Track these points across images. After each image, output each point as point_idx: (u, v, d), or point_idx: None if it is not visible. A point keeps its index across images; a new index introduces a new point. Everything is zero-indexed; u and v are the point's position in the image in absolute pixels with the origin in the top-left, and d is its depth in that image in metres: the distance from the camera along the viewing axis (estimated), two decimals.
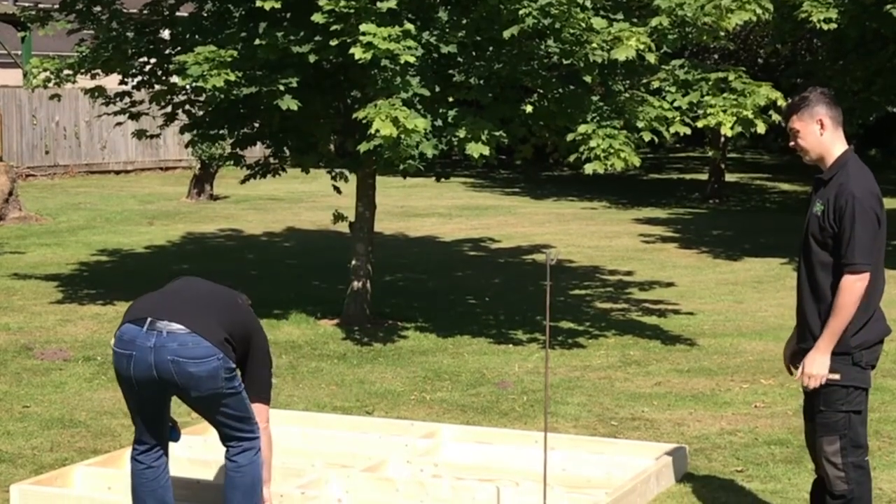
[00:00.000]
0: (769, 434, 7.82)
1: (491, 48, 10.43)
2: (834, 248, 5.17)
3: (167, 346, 5.14)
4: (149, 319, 5.22)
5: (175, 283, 5.63)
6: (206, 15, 11.14)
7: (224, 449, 5.51)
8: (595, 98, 10.53)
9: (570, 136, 10.16)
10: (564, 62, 10.35)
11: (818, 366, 5.18)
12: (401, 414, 8.29)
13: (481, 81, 10.40)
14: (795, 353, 5.45)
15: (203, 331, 5.19)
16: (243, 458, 5.42)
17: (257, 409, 5.49)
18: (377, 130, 9.24)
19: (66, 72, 11.43)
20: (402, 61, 9.35)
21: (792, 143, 5.36)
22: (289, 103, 10.12)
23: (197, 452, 7.02)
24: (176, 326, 5.18)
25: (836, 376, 5.17)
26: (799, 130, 5.28)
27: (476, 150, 9.86)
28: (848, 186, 5.14)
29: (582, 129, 10.05)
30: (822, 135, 5.25)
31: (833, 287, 5.16)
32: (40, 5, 15.95)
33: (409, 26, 9.43)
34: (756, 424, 8.08)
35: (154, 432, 5.42)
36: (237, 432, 5.39)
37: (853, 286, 5.10)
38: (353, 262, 11.47)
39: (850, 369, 5.19)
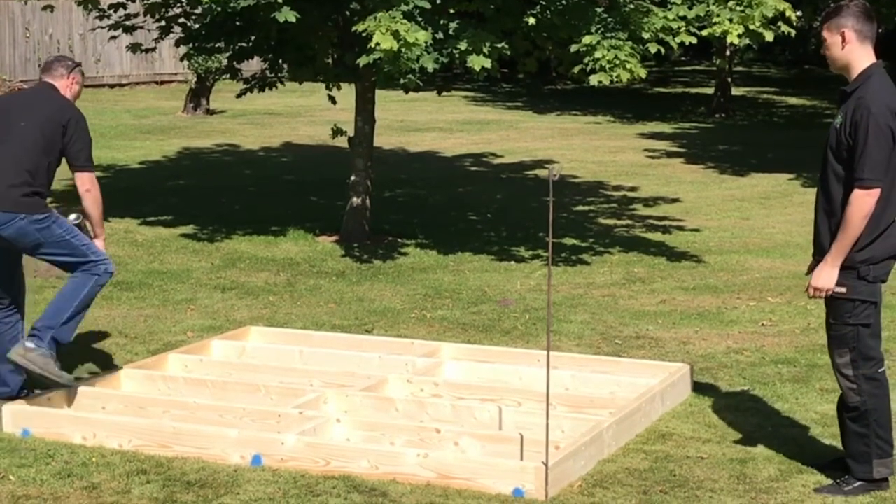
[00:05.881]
0: (776, 353, 7.69)
1: None
2: (848, 161, 5.19)
3: None
4: None
5: None
6: None
7: None
8: (599, 10, 10.30)
9: (574, 47, 9.98)
10: None
11: (824, 279, 5.23)
12: (400, 332, 8.16)
13: None
14: (812, 267, 5.46)
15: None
16: (80, 274, 6.25)
17: (79, 177, 6.50)
18: (377, 44, 9.05)
19: None
20: None
21: (822, 52, 5.47)
22: (286, 15, 9.87)
23: (193, 372, 6.91)
24: None
25: (843, 289, 5.22)
26: (826, 40, 5.37)
27: (478, 62, 9.67)
28: (865, 101, 5.18)
29: (587, 39, 9.87)
30: (843, 48, 5.31)
31: (844, 201, 5.19)
32: None
33: None
34: (763, 343, 7.95)
35: (5, 289, 6.44)
36: (75, 267, 6.27)
37: (861, 200, 5.11)
38: (352, 178, 11.31)
39: (857, 283, 5.23)
